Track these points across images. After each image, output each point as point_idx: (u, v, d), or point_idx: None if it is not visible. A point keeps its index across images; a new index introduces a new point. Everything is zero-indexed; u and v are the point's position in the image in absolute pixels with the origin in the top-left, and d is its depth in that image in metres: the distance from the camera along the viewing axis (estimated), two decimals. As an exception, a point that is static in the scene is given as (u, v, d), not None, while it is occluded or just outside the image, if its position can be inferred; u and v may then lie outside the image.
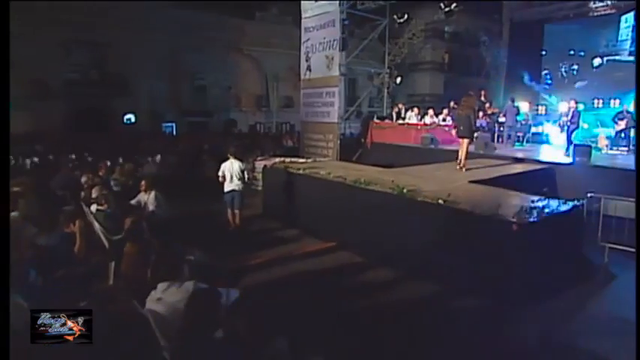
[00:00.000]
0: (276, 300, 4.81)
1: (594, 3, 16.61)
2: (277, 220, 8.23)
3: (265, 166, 9.03)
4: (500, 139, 14.62)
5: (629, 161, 10.33)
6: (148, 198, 6.66)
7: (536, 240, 4.56)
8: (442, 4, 17.90)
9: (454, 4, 17.70)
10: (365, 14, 15.19)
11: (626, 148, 12.31)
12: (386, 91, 15.59)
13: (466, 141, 8.55)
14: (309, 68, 15.10)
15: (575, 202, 5.25)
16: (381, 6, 15.29)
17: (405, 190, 5.66)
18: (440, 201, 5.10)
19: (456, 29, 34.04)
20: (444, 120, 14.14)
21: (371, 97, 27.72)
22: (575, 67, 18.33)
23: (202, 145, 15.06)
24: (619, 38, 17.47)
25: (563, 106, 15.99)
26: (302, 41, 15.38)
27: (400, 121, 13.92)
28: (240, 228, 7.85)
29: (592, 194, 5.20)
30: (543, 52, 18.77)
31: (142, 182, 6.62)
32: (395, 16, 14.72)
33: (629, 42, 17.34)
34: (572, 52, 18.49)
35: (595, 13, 16.94)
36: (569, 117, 11.18)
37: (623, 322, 4.42)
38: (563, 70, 18.84)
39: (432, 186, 6.43)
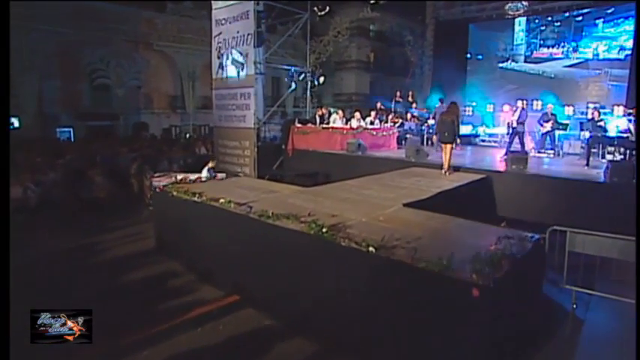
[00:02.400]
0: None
1: (508, 5, 16.59)
2: (171, 259, 6.51)
3: (156, 188, 7.18)
4: (429, 142, 13.89)
5: (559, 166, 9.87)
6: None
7: (496, 296, 3.34)
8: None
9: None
10: (284, 6, 13.70)
11: (552, 151, 12.03)
12: (309, 90, 14.22)
13: (449, 146, 8.63)
14: (221, 66, 13.32)
15: (536, 237, 4.16)
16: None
17: (324, 230, 4.24)
18: (370, 249, 3.73)
19: (381, 28, 33.87)
20: (371, 123, 13.06)
21: (296, 96, 26.48)
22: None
23: (95, 155, 12.67)
24: (514, 42, 17.71)
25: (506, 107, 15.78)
26: (213, 35, 13.57)
27: (324, 125, 12.61)
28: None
29: (555, 227, 4.13)
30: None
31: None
32: (315, 9, 13.36)
33: (523, 46, 17.59)
34: (469, 56, 18.42)
35: (507, 16, 16.96)
36: (517, 118, 10.53)
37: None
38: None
39: (360, 214, 5.11)
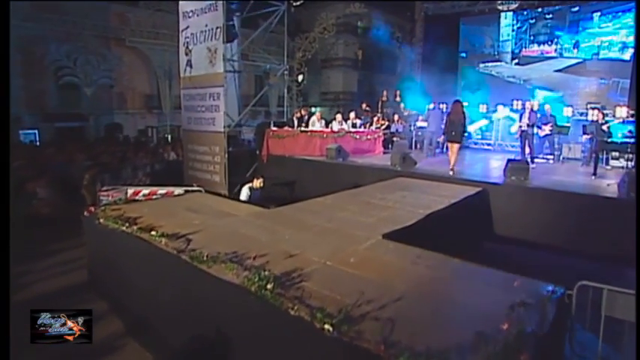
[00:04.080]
0: None
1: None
2: (100, 298, 5.29)
3: (87, 212, 5.93)
4: (417, 145, 12.80)
5: (562, 175, 8.81)
6: None
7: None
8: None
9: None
10: (259, -1, 12.49)
11: (551, 156, 10.99)
12: (295, 89, 13.02)
13: (456, 145, 8.55)
14: (189, 63, 12.08)
15: (559, 292, 3.05)
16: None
17: (268, 286, 3.07)
18: (326, 326, 2.57)
19: (369, 24, 32.82)
20: (353, 125, 11.89)
21: (280, 95, 25.29)
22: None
23: (47, 163, 11.34)
24: (500, 38, 16.30)
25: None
26: (180, 29, 12.33)
27: (302, 129, 11.42)
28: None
29: (585, 282, 3.01)
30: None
31: None
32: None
33: (510, 43, 16.15)
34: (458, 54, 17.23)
35: (500, 11, 15.86)
36: (527, 120, 9.48)
37: None
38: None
39: (326, 252, 3.97)
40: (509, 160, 7.74)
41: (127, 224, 4.79)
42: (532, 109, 9.56)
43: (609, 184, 7.39)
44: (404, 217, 5.30)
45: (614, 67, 14.08)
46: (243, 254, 3.79)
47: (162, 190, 7.90)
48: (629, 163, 8.66)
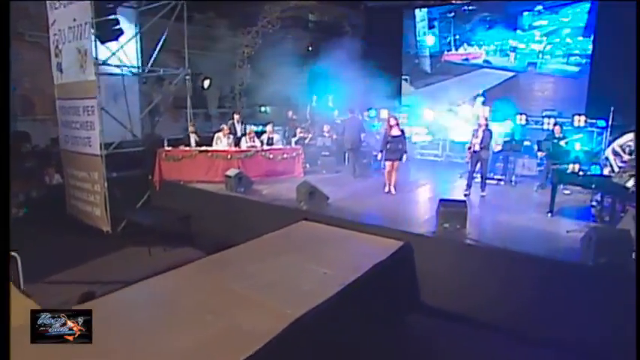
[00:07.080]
0: None
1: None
2: None
3: None
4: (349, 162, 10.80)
5: (511, 212, 7.02)
6: None
7: None
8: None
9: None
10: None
11: (502, 177, 9.11)
12: (190, 92, 10.63)
13: (396, 164, 7.76)
14: (59, 67, 9.70)
15: None
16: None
17: None
18: None
19: (321, 18, 30.72)
20: (269, 142, 9.75)
21: (221, 96, 22.88)
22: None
23: None
24: (417, 37, 13.89)
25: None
26: (50, 24, 9.89)
27: (201, 149, 9.19)
28: None
29: None
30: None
31: None
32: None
33: (427, 44, 13.77)
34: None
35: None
36: (479, 140, 7.49)
37: None
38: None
39: None
40: (441, 201, 5.81)
41: None
42: (487, 128, 7.62)
43: (570, 231, 5.59)
44: (254, 332, 3.25)
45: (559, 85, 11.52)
46: None
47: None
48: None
